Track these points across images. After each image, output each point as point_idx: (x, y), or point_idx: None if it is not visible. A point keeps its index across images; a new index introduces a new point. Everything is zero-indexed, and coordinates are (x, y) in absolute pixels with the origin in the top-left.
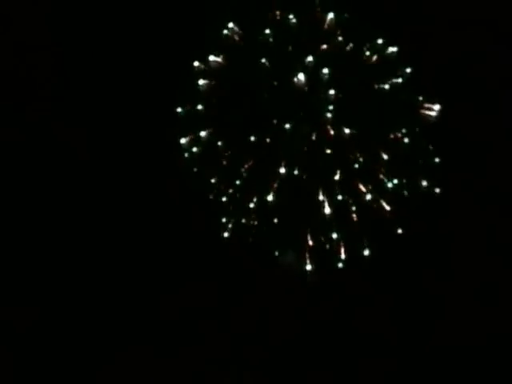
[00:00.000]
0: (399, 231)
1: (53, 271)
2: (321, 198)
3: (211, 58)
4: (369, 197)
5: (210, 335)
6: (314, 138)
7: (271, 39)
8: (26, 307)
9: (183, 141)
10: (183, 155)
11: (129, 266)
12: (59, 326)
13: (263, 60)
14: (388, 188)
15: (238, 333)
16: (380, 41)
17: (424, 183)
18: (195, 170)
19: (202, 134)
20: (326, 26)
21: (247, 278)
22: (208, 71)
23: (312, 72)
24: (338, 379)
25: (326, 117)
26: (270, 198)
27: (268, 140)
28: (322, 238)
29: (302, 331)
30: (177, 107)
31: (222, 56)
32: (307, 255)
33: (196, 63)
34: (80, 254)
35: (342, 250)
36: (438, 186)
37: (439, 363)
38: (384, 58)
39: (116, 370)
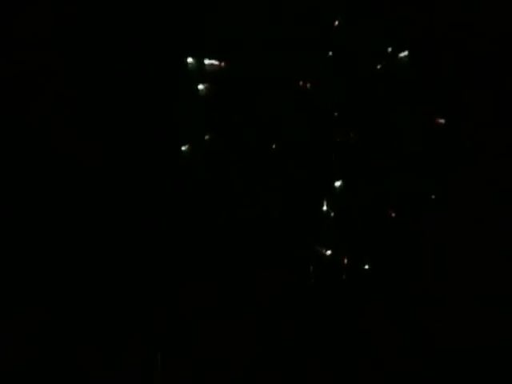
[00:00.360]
0: (403, 236)
1: (51, 271)
2: (324, 208)
3: (207, 61)
4: (374, 203)
5: (210, 335)
6: (317, 142)
7: (275, 42)
8: (26, 307)
9: (184, 148)
10: (184, 161)
11: (128, 266)
12: (57, 326)
13: (266, 64)
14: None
15: (238, 333)
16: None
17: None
18: (197, 175)
19: (204, 139)
20: (333, 29)
21: (247, 278)
22: (206, 73)
23: (318, 77)
24: (337, 379)
25: (331, 121)
26: (272, 204)
27: (273, 146)
28: (326, 249)
29: (301, 331)
30: (176, 113)
31: (220, 59)
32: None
33: (190, 60)
34: (79, 256)
35: (346, 261)
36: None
37: (439, 364)
38: (393, 63)
39: (115, 370)
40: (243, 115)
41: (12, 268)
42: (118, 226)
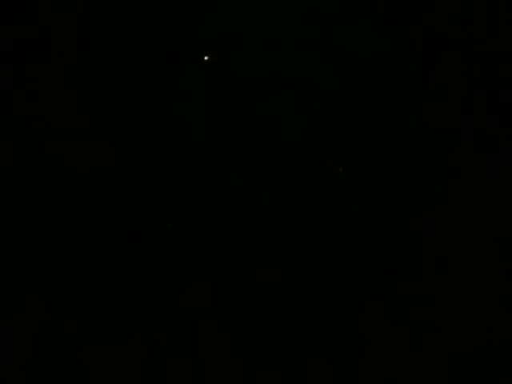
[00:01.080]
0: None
1: (51, 270)
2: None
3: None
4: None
5: (210, 335)
6: (316, 142)
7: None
8: (27, 307)
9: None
10: (180, 159)
11: (128, 266)
12: (57, 326)
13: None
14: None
15: (238, 333)
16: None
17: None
18: (193, 171)
19: (199, 136)
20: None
21: (247, 277)
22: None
23: (312, 70)
24: (338, 379)
25: (331, 120)
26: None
27: (272, 145)
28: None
29: (301, 330)
30: (173, 109)
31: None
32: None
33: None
34: (79, 255)
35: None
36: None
37: (440, 364)
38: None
39: (115, 370)
40: (242, 114)
41: (12, 268)
42: (117, 225)
